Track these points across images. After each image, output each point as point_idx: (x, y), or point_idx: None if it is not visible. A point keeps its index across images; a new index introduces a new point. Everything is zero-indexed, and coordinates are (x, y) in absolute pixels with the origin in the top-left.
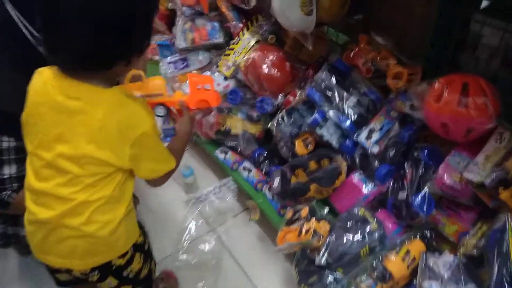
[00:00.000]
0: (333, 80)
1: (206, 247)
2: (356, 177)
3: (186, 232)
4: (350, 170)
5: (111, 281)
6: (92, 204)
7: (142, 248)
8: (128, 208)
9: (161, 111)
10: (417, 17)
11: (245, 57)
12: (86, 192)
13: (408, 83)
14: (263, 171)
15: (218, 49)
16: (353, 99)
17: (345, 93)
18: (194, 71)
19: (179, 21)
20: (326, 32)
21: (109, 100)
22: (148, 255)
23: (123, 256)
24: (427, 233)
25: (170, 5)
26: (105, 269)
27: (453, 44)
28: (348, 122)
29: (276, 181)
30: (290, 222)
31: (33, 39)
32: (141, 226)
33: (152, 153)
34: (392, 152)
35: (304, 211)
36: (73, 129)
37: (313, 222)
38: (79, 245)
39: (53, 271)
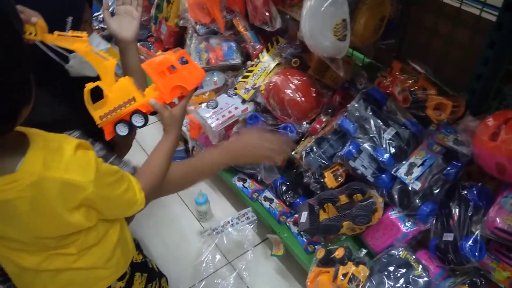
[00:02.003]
0: (369, 109)
1: (225, 283)
2: (393, 214)
3: (203, 266)
4: (386, 205)
5: None
6: (75, 254)
7: (143, 267)
8: (120, 230)
9: (139, 120)
10: (459, 45)
11: (266, 80)
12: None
13: (450, 115)
14: (286, 202)
15: (234, 70)
16: (391, 131)
17: (382, 124)
18: (208, 92)
19: (193, 40)
20: (351, 55)
21: (28, 186)
22: (153, 274)
23: (122, 278)
24: (477, 280)
25: (181, 22)
26: None
27: (501, 76)
28: (386, 156)
29: (304, 216)
30: (322, 262)
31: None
32: (137, 244)
33: (106, 205)
34: (436, 190)
35: (339, 252)
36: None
37: (351, 266)
38: (75, 278)
39: None
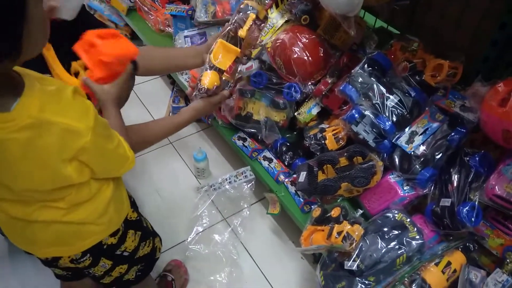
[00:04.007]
0: (373, 75)
1: (219, 238)
2: (392, 177)
3: (198, 221)
4: (385, 169)
5: (105, 262)
6: (65, 208)
7: (137, 225)
8: (115, 187)
9: None
10: (476, 9)
11: (273, 38)
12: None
13: (448, 78)
14: (286, 162)
15: None
16: (394, 99)
17: (385, 92)
18: None
19: None
20: (363, 17)
21: (23, 128)
22: (147, 233)
23: (114, 234)
24: (471, 245)
25: None
26: (97, 250)
27: None
28: (388, 124)
29: (302, 176)
30: (318, 221)
31: None
32: (133, 202)
33: (100, 159)
34: (438, 155)
35: (335, 211)
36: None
37: (346, 225)
38: (65, 231)
39: (48, 264)
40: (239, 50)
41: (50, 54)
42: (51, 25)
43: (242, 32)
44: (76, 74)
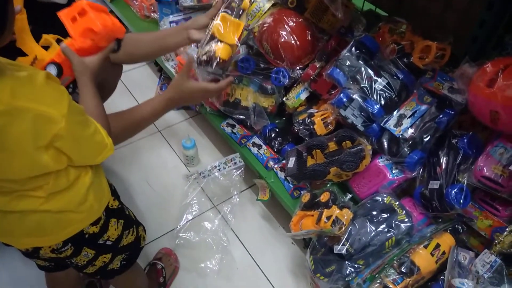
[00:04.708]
0: (360, 58)
1: (209, 225)
2: (381, 161)
3: (188, 209)
4: (374, 153)
5: (87, 252)
6: (43, 197)
7: (120, 214)
8: (94, 174)
9: (52, 70)
10: None
11: (260, 22)
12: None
13: (437, 60)
14: (275, 148)
15: None
16: (382, 82)
17: (373, 75)
18: None
19: None
20: None
21: None
22: (130, 221)
23: (96, 223)
24: (459, 227)
25: None
26: (78, 240)
27: (504, 23)
28: (376, 107)
29: (291, 162)
30: (307, 206)
31: None
32: (113, 190)
33: (76, 146)
34: (427, 138)
35: (325, 196)
36: None
37: (335, 210)
38: (44, 220)
39: (28, 255)
40: (242, 23)
41: (22, 18)
42: (33, 10)
43: (245, 3)
44: (45, 48)
